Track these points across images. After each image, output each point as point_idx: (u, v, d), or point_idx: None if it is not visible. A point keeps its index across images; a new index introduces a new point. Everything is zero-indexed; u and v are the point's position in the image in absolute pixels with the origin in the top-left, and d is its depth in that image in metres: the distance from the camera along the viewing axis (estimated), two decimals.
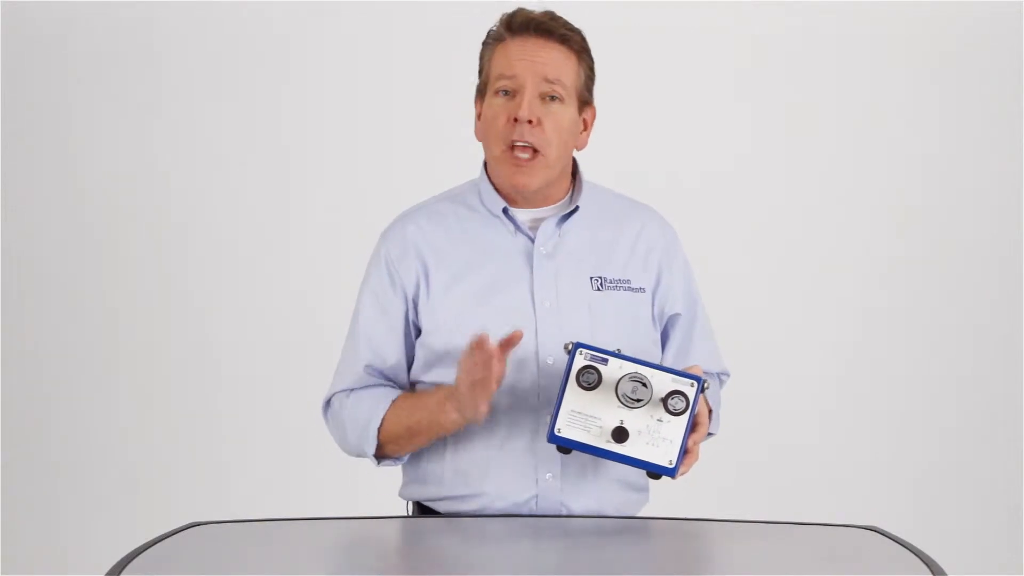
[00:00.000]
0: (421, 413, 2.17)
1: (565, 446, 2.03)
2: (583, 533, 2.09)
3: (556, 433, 2.02)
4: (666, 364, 2.28)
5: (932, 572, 1.80)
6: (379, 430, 2.20)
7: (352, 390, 2.26)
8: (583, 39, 2.21)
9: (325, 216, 3.82)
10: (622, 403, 2.01)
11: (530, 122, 2.14)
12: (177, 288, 3.84)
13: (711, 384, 2.32)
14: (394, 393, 2.23)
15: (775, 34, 3.85)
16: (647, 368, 2.03)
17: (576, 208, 2.25)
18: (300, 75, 3.84)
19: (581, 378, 2.02)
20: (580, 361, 2.02)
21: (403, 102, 3.81)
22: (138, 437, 3.86)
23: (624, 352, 2.05)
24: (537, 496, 2.18)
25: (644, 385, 2.01)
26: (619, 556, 1.97)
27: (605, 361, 2.03)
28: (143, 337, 3.85)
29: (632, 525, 2.16)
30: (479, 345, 2.01)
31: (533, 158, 2.16)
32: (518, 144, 2.16)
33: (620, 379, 2.02)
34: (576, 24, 2.25)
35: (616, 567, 1.90)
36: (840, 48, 3.87)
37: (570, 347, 2.03)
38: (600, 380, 2.02)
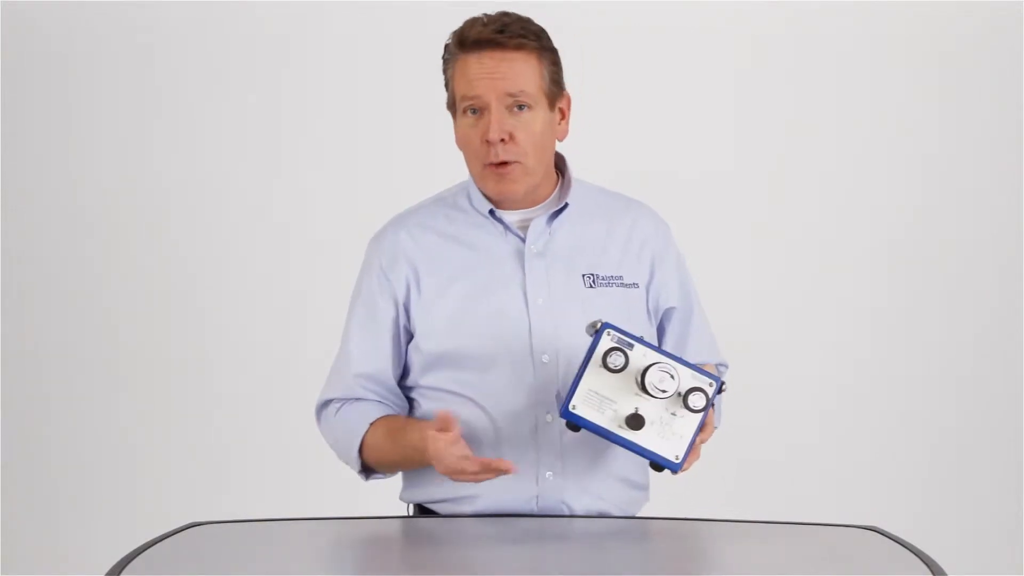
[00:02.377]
0: (400, 454, 2.19)
1: (576, 423, 2.01)
2: (583, 533, 2.09)
3: (570, 409, 2.00)
4: None
5: (932, 572, 1.80)
6: (360, 453, 2.22)
7: (342, 402, 2.26)
8: (538, 36, 2.18)
9: (324, 217, 3.82)
10: (645, 391, 1.99)
11: (503, 140, 2.14)
12: (177, 288, 3.84)
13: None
14: (373, 413, 2.23)
15: (775, 34, 3.85)
16: (672, 360, 2.02)
17: (565, 205, 2.25)
18: (299, 76, 3.84)
19: (608, 359, 1.99)
20: (607, 342, 2.00)
21: (401, 104, 3.80)
22: (138, 437, 3.85)
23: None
24: (538, 496, 2.18)
25: (672, 377, 2.00)
26: (619, 556, 1.97)
27: (631, 346, 2.01)
28: (143, 337, 3.85)
29: (632, 525, 2.16)
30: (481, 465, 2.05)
31: (512, 166, 2.17)
32: (496, 163, 2.16)
33: (648, 368, 1.99)
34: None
35: (616, 567, 1.90)
36: (840, 48, 3.87)
37: (598, 326, 2.01)
38: (627, 363, 1.99)
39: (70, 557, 3.83)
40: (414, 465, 2.20)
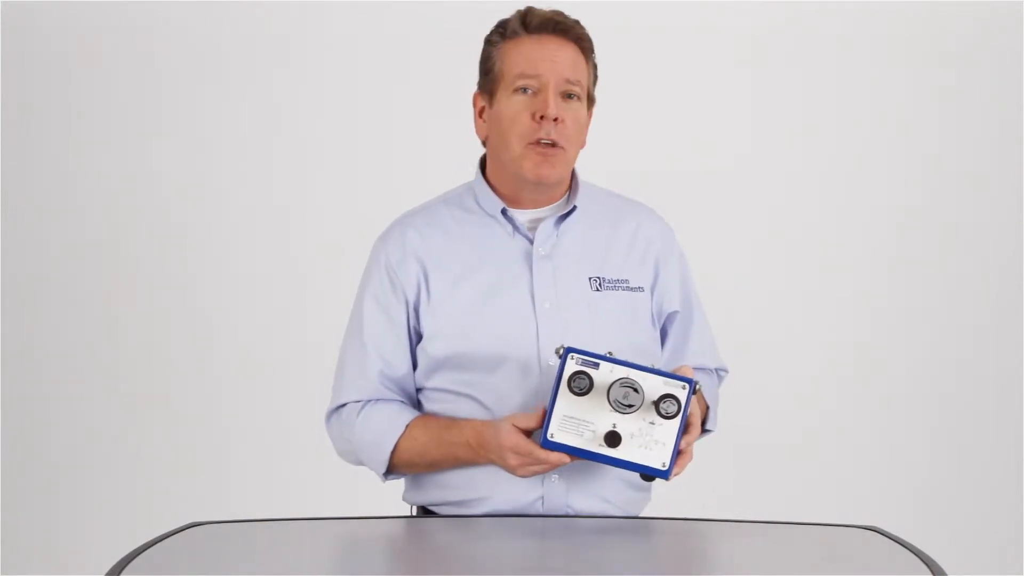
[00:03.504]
0: (445, 451, 2.18)
1: (559, 451, 2.03)
2: (585, 533, 2.09)
3: (549, 439, 2.03)
4: (664, 361, 2.29)
5: (932, 572, 1.80)
6: (392, 455, 2.20)
7: (364, 403, 2.24)
8: (590, 39, 2.24)
9: (325, 217, 3.82)
10: (614, 408, 2.02)
11: (555, 119, 2.16)
12: (177, 288, 3.84)
13: (708, 381, 2.32)
14: (407, 414, 2.22)
15: (775, 34, 3.85)
16: (638, 372, 2.03)
17: (574, 208, 2.25)
18: (300, 76, 3.84)
19: (572, 384, 2.02)
20: (571, 366, 2.02)
21: (402, 104, 3.81)
22: (138, 437, 3.85)
23: (619, 353, 2.05)
24: (543, 497, 2.18)
25: (635, 390, 2.02)
26: (621, 556, 1.97)
27: (596, 365, 2.03)
28: (143, 337, 3.85)
29: (633, 525, 2.16)
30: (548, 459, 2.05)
31: (556, 150, 2.18)
32: (543, 141, 2.17)
33: (611, 384, 2.02)
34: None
35: (617, 567, 1.90)
36: (840, 48, 3.87)
37: (561, 351, 2.03)
38: (591, 385, 2.02)
39: (70, 557, 3.83)
40: (454, 462, 2.18)
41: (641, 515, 2.28)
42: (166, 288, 3.84)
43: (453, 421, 2.19)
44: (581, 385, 2.02)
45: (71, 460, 3.86)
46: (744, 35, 3.86)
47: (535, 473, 2.09)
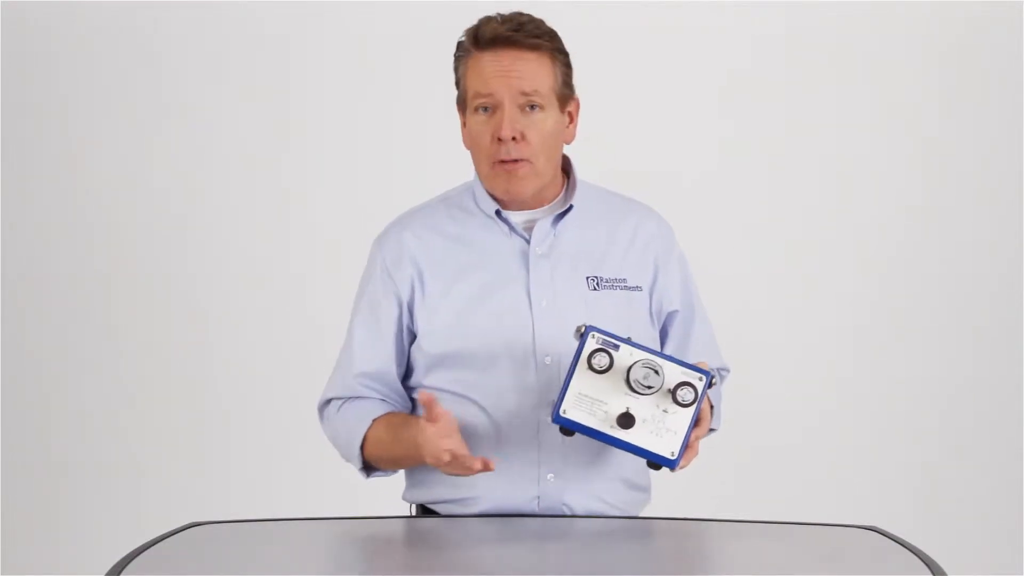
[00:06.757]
0: (400, 449, 2.19)
1: (569, 428, 2.01)
2: (584, 533, 2.09)
3: (561, 414, 2.01)
4: None
5: (932, 572, 1.80)
6: (362, 451, 2.22)
7: (343, 400, 2.27)
8: (552, 38, 2.19)
9: (325, 216, 3.82)
10: (632, 390, 2.00)
11: (514, 139, 2.15)
12: (177, 288, 3.84)
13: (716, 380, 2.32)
14: (376, 410, 2.23)
15: (774, 34, 3.85)
16: (659, 357, 2.02)
17: (570, 207, 2.25)
18: (300, 76, 3.84)
19: (593, 360, 2.00)
20: (592, 344, 2.01)
21: (402, 104, 3.81)
22: (138, 437, 3.85)
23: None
24: (539, 497, 2.18)
25: (656, 372, 2.00)
26: (620, 556, 1.97)
27: (616, 347, 2.02)
28: (143, 337, 3.85)
29: (633, 525, 2.16)
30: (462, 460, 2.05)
31: (521, 164, 2.17)
32: (506, 160, 2.16)
33: (632, 365, 2.00)
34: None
35: (616, 567, 1.90)
36: (840, 48, 3.87)
37: (583, 329, 2.02)
38: (612, 364, 2.00)
39: (70, 557, 3.83)
40: (412, 462, 2.19)
41: (640, 515, 2.27)
42: (166, 288, 3.84)
43: (407, 418, 2.20)
44: (601, 362, 2.00)
45: (71, 460, 3.86)
46: (743, 35, 3.85)
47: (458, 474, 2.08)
